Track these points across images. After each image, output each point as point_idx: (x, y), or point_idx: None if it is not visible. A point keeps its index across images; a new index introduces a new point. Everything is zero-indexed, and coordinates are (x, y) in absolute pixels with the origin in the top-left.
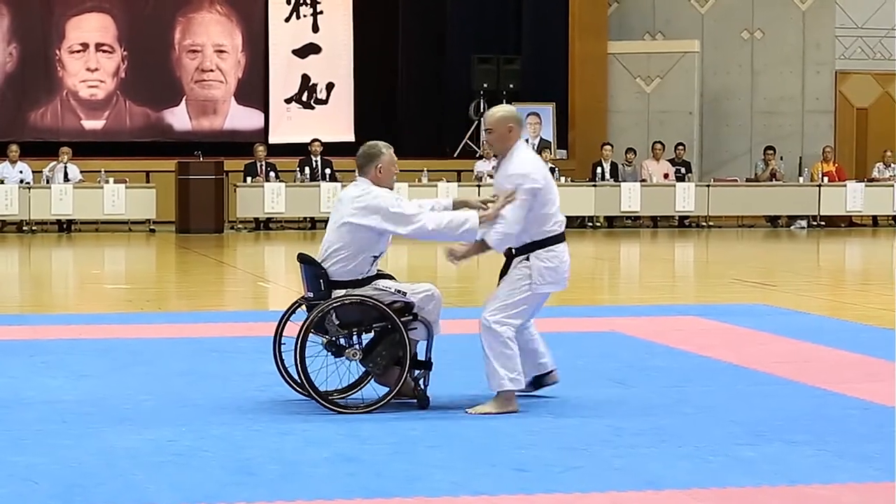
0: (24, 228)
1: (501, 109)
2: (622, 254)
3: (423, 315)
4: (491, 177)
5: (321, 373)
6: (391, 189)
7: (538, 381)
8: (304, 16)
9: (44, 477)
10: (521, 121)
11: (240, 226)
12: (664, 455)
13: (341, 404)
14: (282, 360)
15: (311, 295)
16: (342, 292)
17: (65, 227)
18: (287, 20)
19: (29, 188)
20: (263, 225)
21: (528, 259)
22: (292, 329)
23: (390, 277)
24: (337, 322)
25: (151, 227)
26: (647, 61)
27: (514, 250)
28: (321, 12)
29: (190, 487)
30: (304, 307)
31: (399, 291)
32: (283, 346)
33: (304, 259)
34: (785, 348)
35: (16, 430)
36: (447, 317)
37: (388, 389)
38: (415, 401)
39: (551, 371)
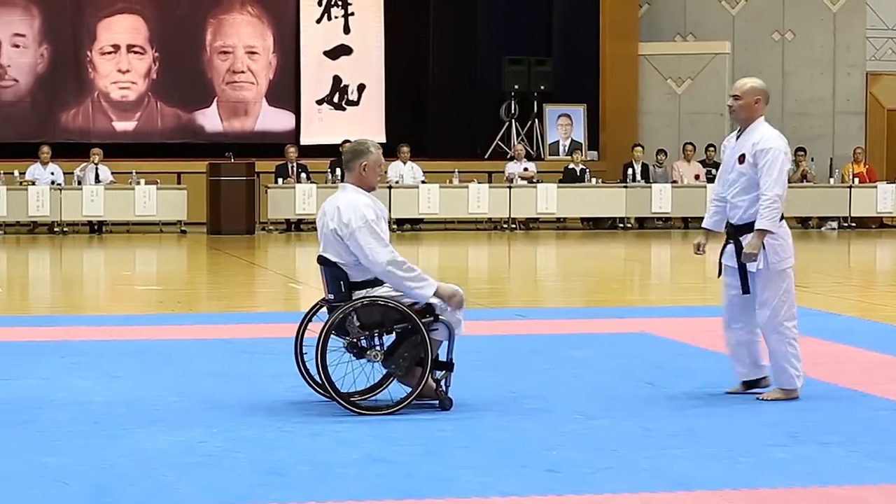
0: (56, 230)
1: (752, 80)
2: (653, 255)
3: (445, 316)
4: (523, 178)
5: (347, 375)
6: (374, 188)
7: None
8: (336, 17)
9: (74, 478)
10: (768, 96)
11: (271, 227)
12: (695, 456)
13: (362, 406)
14: (303, 362)
15: (331, 297)
16: (363, 293)
17: (96, 228)
18: (318, 21)
19: (60, 189)
20: (294, 226)
21: (762, 247)
22: (315, 330)
23: None
24: (358, 323)
25: (183, 228)
26: (678, 63)
27: (736, 226)
28: (352, 13)
29: (221, 488)
30: (324, 309)
31: None
32: (304, 347)
33: (323, 261)
34: (815, 349)
35: (47, 431)
36: (476, 318)
37: (409, 390)
38: (436, 402)
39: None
